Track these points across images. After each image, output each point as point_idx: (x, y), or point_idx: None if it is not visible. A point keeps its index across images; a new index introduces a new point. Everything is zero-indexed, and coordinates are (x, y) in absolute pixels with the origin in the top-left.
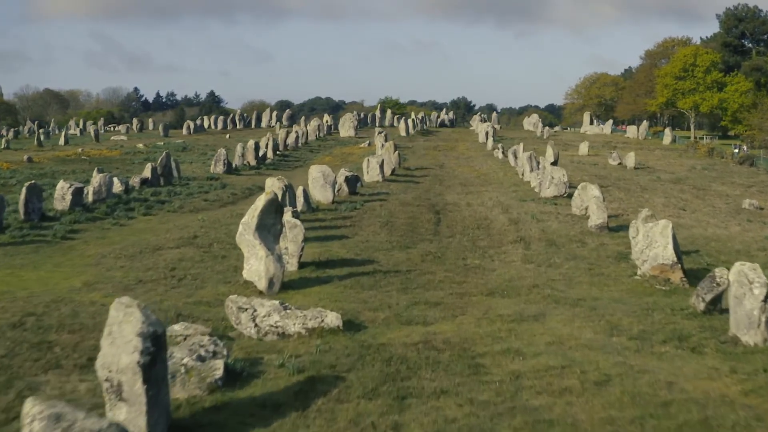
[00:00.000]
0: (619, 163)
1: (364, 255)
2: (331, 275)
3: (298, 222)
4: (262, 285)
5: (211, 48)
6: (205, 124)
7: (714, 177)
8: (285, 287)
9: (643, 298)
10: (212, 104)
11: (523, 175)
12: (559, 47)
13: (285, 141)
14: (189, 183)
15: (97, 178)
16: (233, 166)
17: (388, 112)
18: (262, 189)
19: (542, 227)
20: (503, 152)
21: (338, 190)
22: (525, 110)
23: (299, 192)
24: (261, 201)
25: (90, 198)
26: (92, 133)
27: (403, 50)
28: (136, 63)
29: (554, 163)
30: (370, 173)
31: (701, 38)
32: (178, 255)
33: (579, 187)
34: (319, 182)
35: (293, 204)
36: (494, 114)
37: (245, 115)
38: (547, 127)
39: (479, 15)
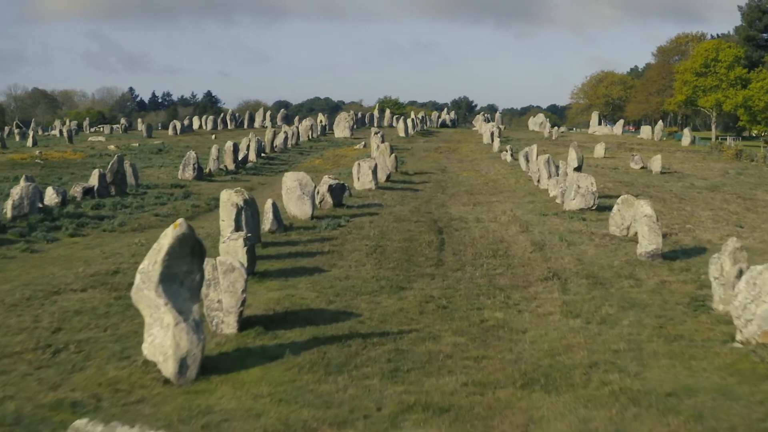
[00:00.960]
0: (643, 167)
1: (339, 302)
2: (285, 343)
3: (236, 264)
4: (168, 369)
5: (209, 48)
6: (195, 125)
7: (754, 183)
8: (208, 369)
9: (759, 386)
10: (208, 104)
11: (539, 182)
12: (560, 48)
13: (272, 142)
14: (146, 192)
15: (17, 189)
16: (205, 170)
17: (387, 112)
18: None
19: (576, 254)
20: (512, 155)
21: (320, 202)
22: (527, 111)
23: (267, 206)
24: (167, 237)
25: (9, 214)
26: (65, 134)
27: (402, 50)
28: (135, 63)
29: (578, 169)
30: (362, 179)
31: (711, 36)
32: (78, 304)
33: (619, 200)
34: (295, 193)
35: (252, 225)
36: (497, 114)
37: (237, 115)
38: (555, 128)
39: (479, 15)
